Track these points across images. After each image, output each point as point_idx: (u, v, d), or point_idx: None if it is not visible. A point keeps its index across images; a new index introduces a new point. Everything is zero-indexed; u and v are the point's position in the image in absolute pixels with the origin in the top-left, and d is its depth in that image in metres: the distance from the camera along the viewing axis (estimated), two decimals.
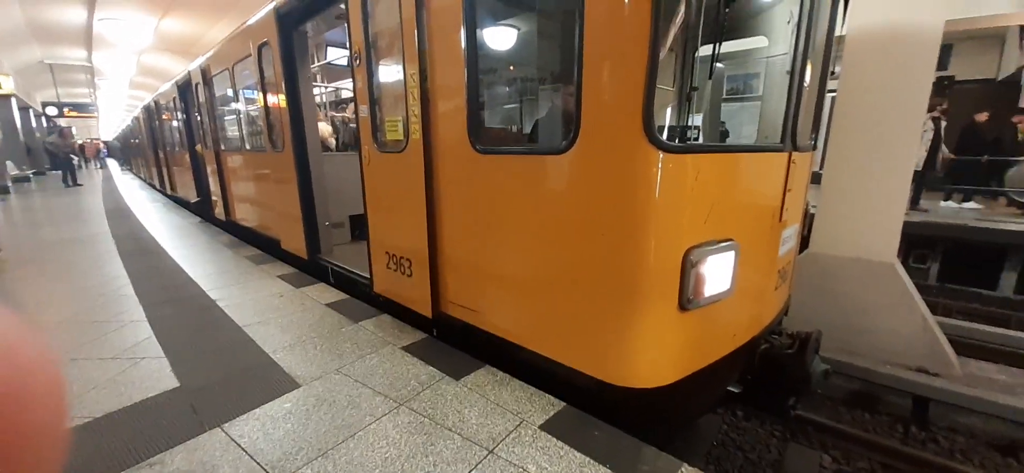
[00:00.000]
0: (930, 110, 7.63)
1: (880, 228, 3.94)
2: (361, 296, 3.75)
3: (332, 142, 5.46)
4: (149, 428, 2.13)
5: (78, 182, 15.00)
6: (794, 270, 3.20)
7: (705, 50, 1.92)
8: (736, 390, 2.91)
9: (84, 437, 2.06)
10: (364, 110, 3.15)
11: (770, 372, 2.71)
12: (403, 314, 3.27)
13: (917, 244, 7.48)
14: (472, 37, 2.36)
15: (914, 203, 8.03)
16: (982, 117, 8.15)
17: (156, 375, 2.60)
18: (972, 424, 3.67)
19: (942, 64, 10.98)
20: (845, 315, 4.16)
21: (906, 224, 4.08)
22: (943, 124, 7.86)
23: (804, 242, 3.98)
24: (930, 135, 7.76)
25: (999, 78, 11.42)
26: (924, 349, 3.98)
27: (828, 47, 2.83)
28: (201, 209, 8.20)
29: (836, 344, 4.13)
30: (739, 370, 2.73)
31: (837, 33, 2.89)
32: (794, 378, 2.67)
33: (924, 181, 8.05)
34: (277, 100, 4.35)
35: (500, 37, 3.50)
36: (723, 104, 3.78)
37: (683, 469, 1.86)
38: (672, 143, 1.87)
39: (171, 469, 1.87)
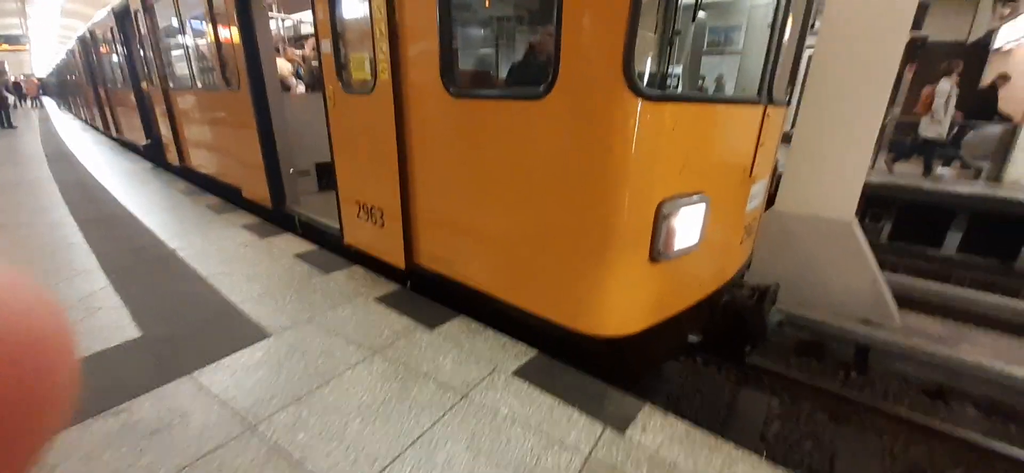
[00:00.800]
0: (947, 74, 7.59)
1: (842, 188, 4.10)
2: (331, 247, 3.66)
3: (292, 81, 5.08)
4: (113, 377, 2.07)
5: (12, 124, 13.64)
6: (759, 226, 3.31)
7: None
8: (696, 339, 3.06)
9: None
10: (327, 45, 2.92)
11: (730, 322, 2.85)
12: (375, 265, 3.22)
13: (874, 203, 7.88)
14: None
15: (927, 171, 8.04)
16: (1001, 80, 7.92)
17: (115, 325, 2.50)
18: (907, 371, 4.04)
19: (917, 24, 11.13)
20: (802, 270, 4.39)
21: (864, 185, 4.25)
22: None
23: (770, 199, 4.10)
24: (954, 100, 7.54)
25: (968, 41, 11.73)
26: (870, 302, 4.28)
27: (810, 1, 2.79)
28: (153, 154, 7.58)
29: (793, 297, 4.38)
30: (702, 320, 2.86)
31: None
32: (751, 328, 2.82)
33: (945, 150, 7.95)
34: (230, 33, 3.98)
35: None
36: (704, 57, 3.72)
37: (645, 408, 1.97)
38: (652, 91, 1.83)
39: (139, 416, 1.84)
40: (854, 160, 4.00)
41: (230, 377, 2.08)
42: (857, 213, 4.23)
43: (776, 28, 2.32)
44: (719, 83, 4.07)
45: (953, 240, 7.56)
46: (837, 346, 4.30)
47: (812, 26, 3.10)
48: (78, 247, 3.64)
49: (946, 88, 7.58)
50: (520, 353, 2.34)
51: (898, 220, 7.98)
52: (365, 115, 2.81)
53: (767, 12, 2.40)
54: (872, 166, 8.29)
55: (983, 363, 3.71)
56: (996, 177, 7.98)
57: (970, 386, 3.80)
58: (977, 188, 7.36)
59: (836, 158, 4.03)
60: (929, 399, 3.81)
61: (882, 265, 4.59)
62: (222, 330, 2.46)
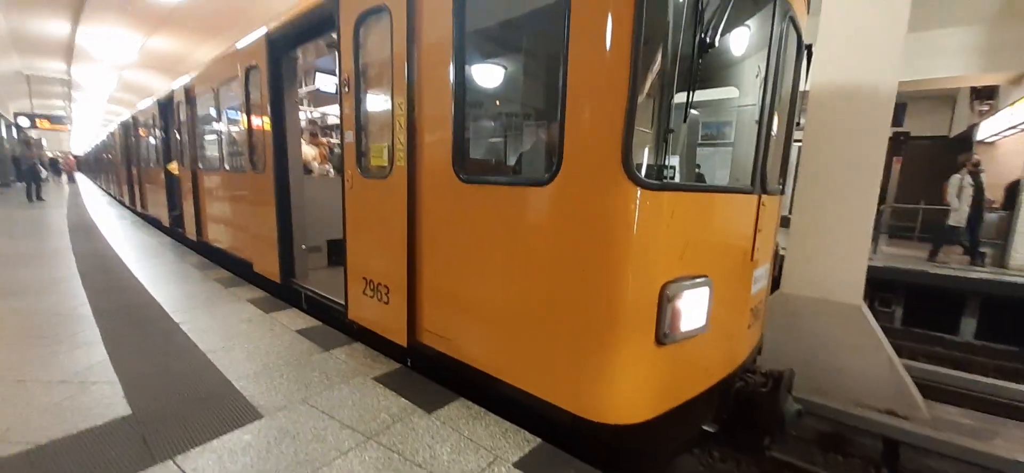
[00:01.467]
0: (966, 165, 7.81)
1: (846, 271, 4.11)
2: (334, 323, 3.64)
3: (315, 165, 5.42)
4: (96, 458, 1.98)
5: (41, 198, 14.04)
6: (766, 309, 3.27)
7: (680, 97, 2.02)
8: (711, 429, 2.90)
9: (24, 465, 1.91)
10: (350, 136, 3.17)
11: (744, 410, 2.72)
12: (377, 343, 3.18)
13: (881, 288, 7.79)
14: (460, 72, 2.43)
15: (973, 258, 7.95)
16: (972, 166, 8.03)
17: (107, 401, 2.43)
18: (942, 468, 3.73)
19: (897, 121, 11.82)
20: (815, 354, 4.25)
21: (871, 269, 4.26)
22: (983, 177, 7.83)
23: (775, 283, 4.10)
24: (970, 191, 7.71)
25: (951, 135, 12.33)
26: (891, 391, 4.08)
27: (793, 99, 3.02)
28: (176, 230, 7.93)
29: (807, 383, 4.19)
30: (714, 408, 2.73)
31: (802, 87, 3.09)
32: (768, 417, 2.68)
33: (973, 237, 8.03)
34: (262, 122, 4.34)
35: (487, 74, 3.62)
36: (699, 149, 3.95)
37: None
38: (650, 180, 1.94)
39: None
40: (854, 243, 4.06)
41: (215, 462, 1.98)
42: (865, 297, 4.19)
43: (763, 125, 2.50)
44: (715, 174, 4.28)
45: (969, 326, 7.35)
46: (861, 438, 4.02)
47: (798, 122, 3.33)
48: (85, 319, 3.66)
49: (957, 180, 7.85)
50: (522, 442, 2.22)
51: (908, 305, 7.84)
52: (380, 197, 2.96)
53: (754, 111, 2.60)
54: (875, 252, 8.36)
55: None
56: (1000, 262, 7.96)
57: None
58: (984, 273, 7.31)
59: (837, 242, 4.10)
60: None
61: (899, 352, 4.43)
62: (214, 410, 2.38)
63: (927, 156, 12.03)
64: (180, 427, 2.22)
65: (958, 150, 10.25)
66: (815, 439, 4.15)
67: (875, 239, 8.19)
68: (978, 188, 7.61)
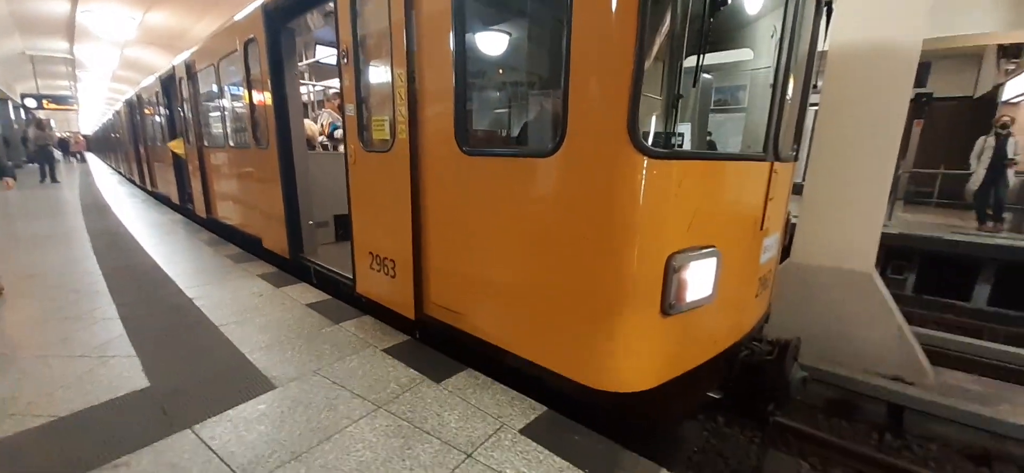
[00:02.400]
0: (998, 122, 7.38)
1: (859, 239, 4.03)
2: (343, 297, 3.70)
3: (318, 140, 5.39)
4: (116, 428, 2.05)
5: (56, 179, 13.53)
6: (775, 279, 3.24)
7: (690, 60, 1.94)
8: (717, 396, 2.92)
9: (48, 436, 1.99)
10: (351, 109, 3.12)
11: (750, 378, 2.73)
12: (386, 316, 3.23)
13: (895, 255, 7.67)
14: (461, 41, 2.35)
15: (981, 221, 7.61)
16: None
17: (126, 374, 2.51)
18: (946, 433, 3.75)
19: (920, 81, 11.33)
20: (824, 323, 4.23)
21: (884, 235, 4.17)
22: (1012, 140, 7.31)
23: (785, 252, 4.04)
24: (990, 153, 7.28)
25: (975, 96, 11.82)
26: (900, 358, 4.06)
27: (810, 61, 2.89)
28: (186, 207, 8.02)
29: (815, 352, 4.19)
30: (720, 376, 2.75)
31: (819, 48, 2.95)
32: (773, 384, 2.69)
33: (981, 200, 7.69)
34: (263, 97, 4.29)
35: (488, 41, 3.50)
36: (711, 115, 3.83)
37: None
38: (657, 149, 1.88)
39: (137, 471, 1.81)
40: (868, 211, 3.96)
41: (231, 431, 2.05)
42: (877, 265, 4.12)
43: (778, 89, 2.39)
44: (728, 141, 4.16)
45: (982, 292, 7.23)
46: (868, 404, 4.04)
47: (815, 85, 3.19)
48: (102, 295, 3.75)
49: (981, 142, 7.51)
50: (528, 409, 2.26)
51: (921, 272, 7.71)
52: (383, 171, 2.94)
53: (768, 74, 2.49)
54: (890, 217, 8.18)
55: None
56: (1019, 228, 7.74)
57: (1016, 450, 3.49)
58: (999, 239, 7.13)
59: (850, 210, 4.00)
60: (974, 464, 3.50)
61: (909, 319, 4.39)
62: (229, 381, 2.46)
63: (950, 118, 11.57)
64: (197, 398, 2.30)
65: (981, 111, 9.84)
66: (821, 405, 4.18)
67: (891, 204, 7.98)
68: (998, 150, 7.27)
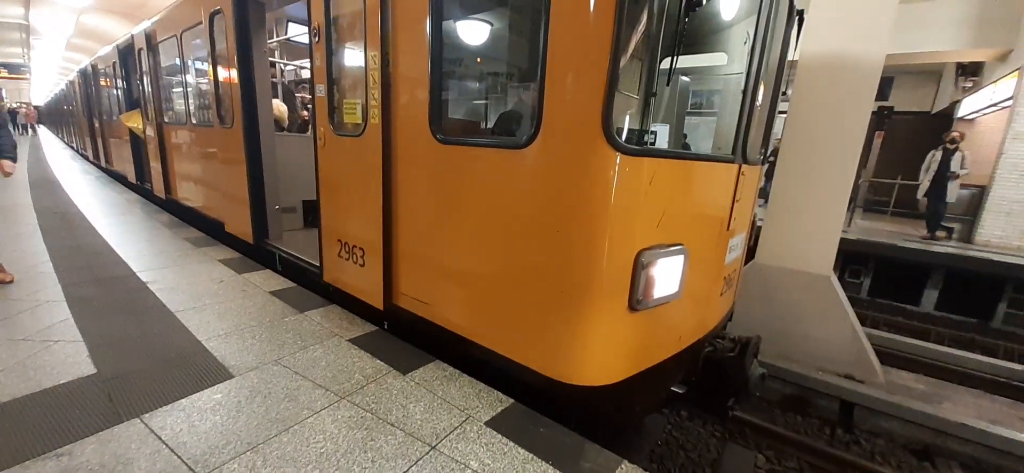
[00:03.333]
0: (946, 138, 7.68)
1: (819, 243, 4.20)
2: (309, 285, 3.59)
3: (286, 121, 5.17)
4: (58, 416, 1.94)
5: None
6: (740, 278, 3.34)
7: (666, 60, 1.95)
8: (680, 391, 3.00)
9: None
10: (321, 90, 3.01)
11: (712, 373, 2.81)
12: (353, 305, 3.16)
13: (852, 259, 8.06)
14: (437, 27, 2.30)
15: (930, 231, 7.98)
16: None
17: (71, 360, 2.37)
18: (892, 428, 3.98)
19: (883, 95, 11.87)
20: (784, 322, 4.41)
21: (842, 241, 4.37)
22: (959, 154, 7.60)
23: (751, 253, 4.18)
24: (935, 166, 7.62)
25: (933, 111, 12.50)
26: (852, 357, 4.28)
27: (780, 69, 2.97)
28: (143, 185, 7.58)
29: (775, 350, 4.37)
30: (684, 371, 2.82)
31: (790, 57, 3.04)
32: (734, 380, 2.78)
33: (932, 210, 8.01)
34: (228, 73, 4.08)
35: (466, 30, 3.44)
36: (688, 117, 3.89)
37: (623, 466, 1.89)
38: (630, 146, 1.90)
39: (80, 461, 1.71)
40: (829, 217, 4.14)
41: (184, 421, 1.96)
42: (835, 268, 4.32)
43: (748, 94, 2.45)
44: (702, 144, 4.25)
45: (930, 298, 7.70)
46: (821, 401, 4.25)
47: (784, 93, 3.29)
48: (47, 276, 3.52)
49: (929, 157, 7.94)
50: (494, 402, 2.26)
51: (876, 276, 8.15)
52: (353, 156, 2.85)
53: (740, 79, 2.55)
54: (849, 223, 8.58)
55: (967, 422, 3.68)
56: (968, 238, 8.26)
57: (955, 445, 3.74)
58: (948, 247, 7.60)
59: (812, 215, 4.17)
60: (916, 458, 3.73)
61: (863, 320, 4.63)
62: (183, 370, 2.35)
63: (908, 131, 12.21)
64: (147, 386, 2.19)
65: (938, 126, 10.40)
66: (778, 401, 4.36)
67: (850, 211, 8.36)
68: (943, 163, 7.74)
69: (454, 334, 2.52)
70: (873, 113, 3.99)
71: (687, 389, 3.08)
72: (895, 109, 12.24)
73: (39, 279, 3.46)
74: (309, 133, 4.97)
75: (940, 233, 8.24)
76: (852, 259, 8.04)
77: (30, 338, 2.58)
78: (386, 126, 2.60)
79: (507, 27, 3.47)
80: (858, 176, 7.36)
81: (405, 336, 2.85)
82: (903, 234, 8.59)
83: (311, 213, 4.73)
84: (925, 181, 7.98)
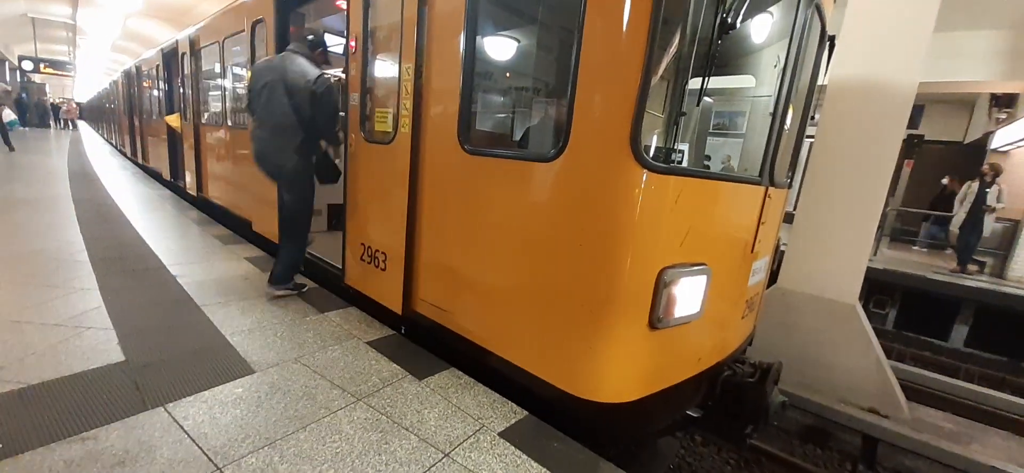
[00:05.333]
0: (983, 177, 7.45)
1: (845, 270, 4.09)
2: (331, 286, 3.66)
3: None
4: (87, 401, 2.00)
5: (9, 144, 12.11)
6: (762, 302, 3.27)
7: (695, 81, 1.97)
8: (696, 414, 2.94)
9: (15, 403, 1.93)
10: (355, 99, 3.11)
11: (730, 399, 2.75)
12: (372, 308, 3.20)
13: (878, 289, 7.80)
14: (471, 42, 2.36)
15: (961, 265, 7.75)
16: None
17: (101, 347, 2.45)
18: (917, 468, 3.81)
19: (913, 123, 11.57)
20: (805, 350, 4.28)
21: (868, 269, 4.25)
22: (995, 187, 7.41)
23: (773, 277, 4.09)
24: (970, 199, 7.41)
25: (966, 141, 12.13)
26: (877, 390, 4.12)
27: (810, 93, 2.94)
28: (176, 183, 7.89)
29: (795, 377, 4.24)
30: (701, 394, 2.76)
31: (819, 81, 3.01)
32: (753, 407, 2.71)
33: (963, 243, 7.75)
34: None
35: (497, 45, 3.52)
36: (710, 137, 3.88)
37: None
38: (656, 163, 1.90)
39: (105, 445, 1.76)
40: (856, 245, 4.03)
41: (206, 412, 2.01)
42: (860, 298, 4.19)
43: (777, 116, 2.43)
44: (724, 162, 4.22)
45: (960, 333, 7.39)
46: (843, 434, 4.09)
47: (812, 117, 3.26)
48: (82, 265, 3.67)
49: (964, 189, 7.73)
50: (508, 413, 2.25)
51: (903, 308, 7.86)
52: (382, 163, 2.92)
53: (769, 102, 2.54)
54: (875, 252, 8.33)
55: (997, 466, 3.49)
56: (1000, 273, 7.93)
57: None
58: (980, 281, 7.30)
59: (838, 241, 4.07)
60: None
61: (888, 353, 4.47)
62: (207, 361, 2.41)
63: (939, 161, 11.85)
64: (173, 376, 2.25)
65: (970, 157, 10.08)
66: (797, 431, 4.22)
67: (877, 240, 8.13)
68: (979, 196, 7.49)
69: (471, 342, 2.53)
70: (903, 141, 3.89)
71: (703, 413, 3.01)
72: (925, 137, 11.93)
73: (74, 267, 3.61)
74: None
75: (971, 267, 7.94)
76: (878, 289, 7.79)
77: (64, 324, 2.68)
78: (415, 135, 2.66)
79: (538, 43, 3.53)
80: (886, 204, 7.17)
81: (422, 342, 2.87)
82: (932, 266, 8.29)
83: (335, 216, 4.84)
84: (961, 213, 7.72)
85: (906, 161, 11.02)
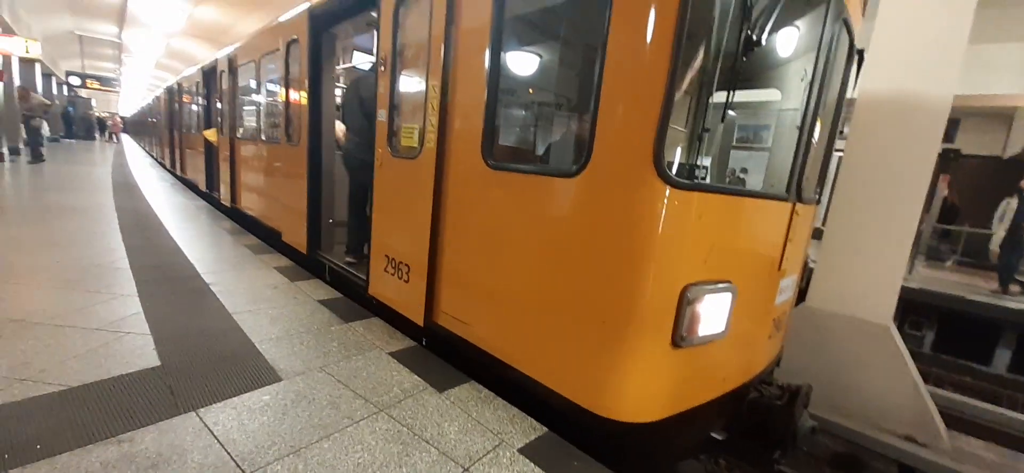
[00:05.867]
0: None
1: (877, 289, 3.94)
2: (355, 297, 3.73)
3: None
4: (124, 403, 2.08)
5: (40, 157, 11.76)
6: (789, 321, 3.18)
7: (719, 96, 1.96)
8: (720, 437, 2.85)
9: (57, 404, 2.02)
10: (383, 115, 3.21)
11: (757, 422, 2.66)
12: (394, 319, 3.25)
13: (913, 310, 7.45)
14: (496, 59, 2.41)
15: (1003, 285, 7.45)
16: None
17: (139, 351, 2.56)
18: None
19: (948, 137, 11.11)
20: (835, 372, 4.11)
21: (902, 289, 4.08)
22: None
23: (801, 295, 3.97)
24: (1010, 214, 7.13)
25: (1005, 156, 11.59)
26: (913, 417, 3.92)
27: (838, 107, 2.88)
28: (211, 194, 8.26)
29: (824, 401, 4.07)
30: (726, 416, 2.69)
31: (848, 95, 2.95)
32: (781, 431, 2.62)
33: (1005, 262, 7.42)
34: (299, 96, 4.43)
35: (522, 62, 3.59)
36: (732, 151, 3.83)
37: None
38: (680, 179, 1.90)
39: (140, 448, 1.82)
40: (890, 262, 3.88)
41: (235, 418, 2.07)
42: (894, 319, 4.02)
43: (805, 131, 2.39)
44: (747, 178, 4.15)
45: (1002, 358, 6.97)
46: (877, 462, 3.89)
47: (841, 131, 3.18)
48: (123, 272, 3.85)
49: (1003, 206, 7.40)
50: (528, 429, 2.24)
51: (940, 330, 7.48)
52: (407, 176, 3.00)
53: (796, 115, 2.50)
54: (910, 271, 7.98)
55: None
56: None
57: None
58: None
59: (871, 259, 3.93)
60: None
61: (924, 378, 4.25)
62: (237, 368, 2.49)
63: (976, 176, 11.35)
64: (205, 382, 2.33)
65: (1009, 172, 9.60)
66: (828, 458, 4.04)
67: (911, 258, 7.79)
68: (1019, 213, 7.10)
69: (491, 355, 2.54)
70: (937, 155, 3.75)
71: (728, 436, 2.93)
72: (961, 152, 11.45)
73: (116, 274, 3.79)
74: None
75: (1014, 287, 7.51)
76: (913, 310, 7.44)
77: (104, 328, 2.81)
78: (440, 150, 2.73)
79: (561, 60, 3.58)
80: (920, 221, 6.85)
81: (442, 353, 2.90)
82: (971, 286, 7.88)
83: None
84: (999, 231, 7.35)
85: (942, 176, 10.58)
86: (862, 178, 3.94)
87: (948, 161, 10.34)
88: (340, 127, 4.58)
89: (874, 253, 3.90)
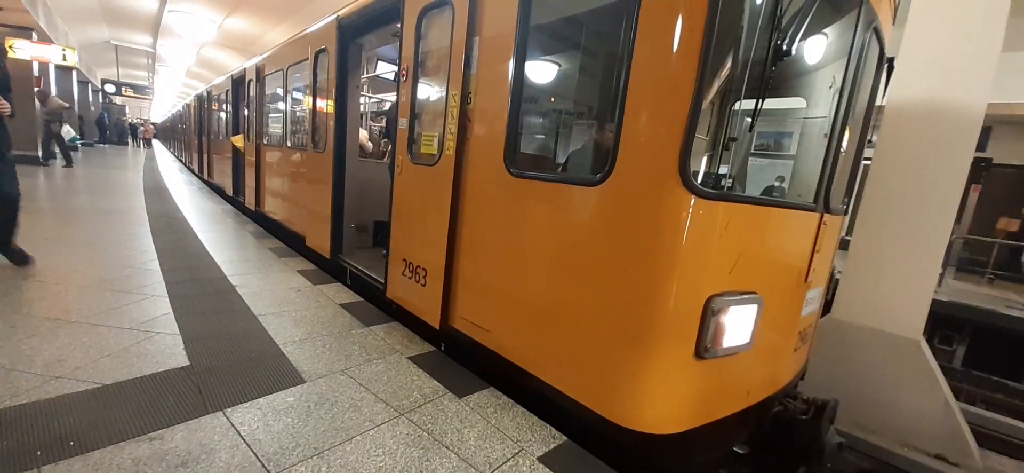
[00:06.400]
0: None
1: (907, 303, 3.81)
2: (374, 300, 3.79)
3: (369, 147, 5.66)
4: (155, 402, 2.14)
5: (70, 161, 11.37)
6: (815, 334, 3.10)
7: (747, 105, 1.94)
8: (742, 451, 2.79)
9: (90, 402, 2.08)
10: (404, 122, 3.27)
11: (781, 436, 2.60)
12: (413, 324, 3.28)
13: (944, 324, 7.18)
14: (519, 68, 2.42)
15: None
16: None
17: (169, 351, 2.63)
18: None
19: (980, 146, 10.72)
20: (862, 387, 3.98)
21: (933, 302, 3.93)
22: None
23: (826, 307, 3.87)
24: None
25: None
26: (944, 434, 3.76)
27: (868, 115, 2.82)
28: (237, 198, 8.50)
29: (851, 416, 3.95)
30: (749, 430, 2.63)
31: (877, 103, 2.88)
32: (806, 446, 2.55)
33: None
34: (325, 104, 4.54)
35: (544, 70, 3.61)
36: (751, 158, 3.77)
37: None
38: (705, 189, 1.88)
39: (170, 446, 1.87)
40: (920, 275, 3.76)
41: (260, 419, 2.11)
42: (924, 333, 3.88)
43: (834, 140, 2.35)
44: (765, 185, 4.08)
45: None
46: None
47: (870, 140, 3.10)
48: (154, 273, 3.98)
49: None
50: (547, 437, 2.23)
51: (972, 345, 7.18)
52: (427, 183, 3.04)
53: (824, 124, 2.45)
54: (940, 283, 7.70)
55: None
56: None
57: None
58: None
59: (900, 271, 3.81)
60: None
61: (956, 395, 4.08)
62: (262, 369, 2.54)
63: (1010, 186, 10.91)
64: (231, 382, 2.38)
65: None
66: None
67: (942, 270, 7.51)
68: None
69: (509, 362, 2.54)
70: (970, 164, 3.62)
71: (751, 450, 2.86)
72: (994, 161, 11.02)
73: (147, 275, 3.92)
74: (385, 160, 5.37)
75: None
76: (943, 324, 7.16)
77: (136, 328, 2.90)
78: (459, 157, 2.76)
79: (585, 69, 3.59)
80: (951, 232, 6.63)
81: (459, 358, 2.91)
82: (1005, 299, 7.56)
83: (380, 232, 5.04)
84: None
85: (973, 186, 10.21)
86: (891, 187, 3.83)
87: (979, 170, 9.98)
88: (363, 134, 4.68)
89: (904, 265, 3.78)
